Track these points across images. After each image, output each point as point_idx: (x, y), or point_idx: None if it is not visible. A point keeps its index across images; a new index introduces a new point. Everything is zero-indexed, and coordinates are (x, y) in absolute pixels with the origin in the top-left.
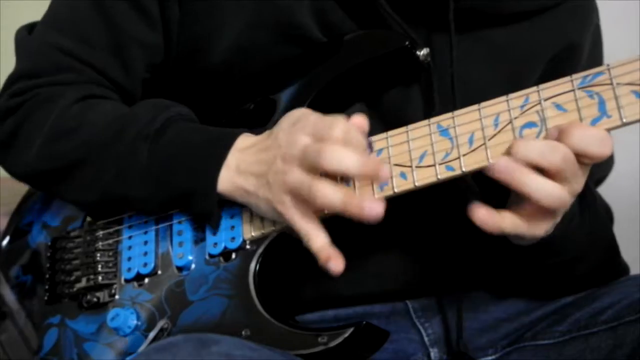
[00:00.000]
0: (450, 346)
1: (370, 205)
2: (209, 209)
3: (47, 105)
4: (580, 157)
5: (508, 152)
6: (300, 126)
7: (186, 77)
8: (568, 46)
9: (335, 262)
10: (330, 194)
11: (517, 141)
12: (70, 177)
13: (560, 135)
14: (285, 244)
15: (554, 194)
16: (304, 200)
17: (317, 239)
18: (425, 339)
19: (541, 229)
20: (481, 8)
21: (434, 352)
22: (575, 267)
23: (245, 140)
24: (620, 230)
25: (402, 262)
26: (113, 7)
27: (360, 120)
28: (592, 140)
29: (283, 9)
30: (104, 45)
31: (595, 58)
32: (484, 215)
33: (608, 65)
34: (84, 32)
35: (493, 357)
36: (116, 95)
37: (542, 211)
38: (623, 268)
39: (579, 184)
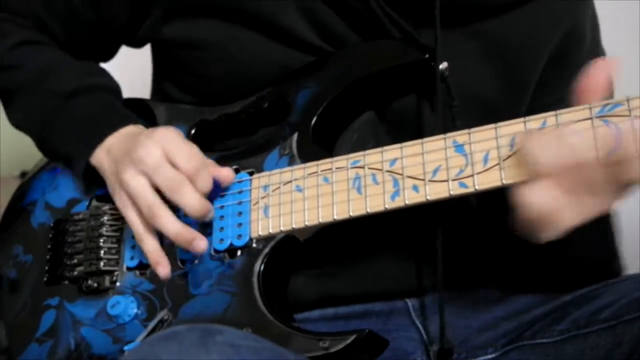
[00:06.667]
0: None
1: (198, 243)
2: (79, 173)
3: None
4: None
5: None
6: (165, 144)
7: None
8: (571, 30)
9: (162, 268)
10: (169, 223)
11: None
12: (11, 102)
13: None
14: (290, 245)
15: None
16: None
17: (148, 243)
18: (425, 337)
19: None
20: (467, 0)
21: (433, 351)
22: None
23: (129, 129)
24: (620, 230)
25: (401, 261)
26: None
27: (225, 173)
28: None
29: (267, 13)
30: (59, 10)
31: (596, 42)
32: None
33: (627, 97)
34: None
35: (492, 355)
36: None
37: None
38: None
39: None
